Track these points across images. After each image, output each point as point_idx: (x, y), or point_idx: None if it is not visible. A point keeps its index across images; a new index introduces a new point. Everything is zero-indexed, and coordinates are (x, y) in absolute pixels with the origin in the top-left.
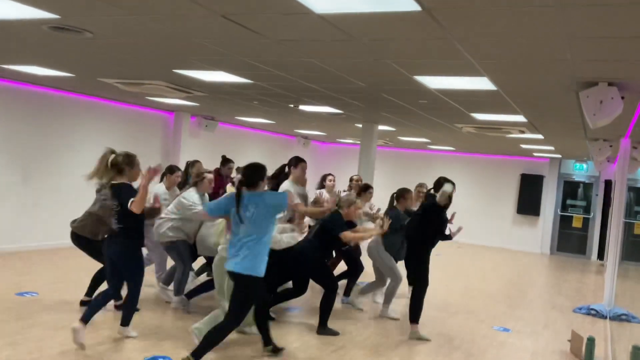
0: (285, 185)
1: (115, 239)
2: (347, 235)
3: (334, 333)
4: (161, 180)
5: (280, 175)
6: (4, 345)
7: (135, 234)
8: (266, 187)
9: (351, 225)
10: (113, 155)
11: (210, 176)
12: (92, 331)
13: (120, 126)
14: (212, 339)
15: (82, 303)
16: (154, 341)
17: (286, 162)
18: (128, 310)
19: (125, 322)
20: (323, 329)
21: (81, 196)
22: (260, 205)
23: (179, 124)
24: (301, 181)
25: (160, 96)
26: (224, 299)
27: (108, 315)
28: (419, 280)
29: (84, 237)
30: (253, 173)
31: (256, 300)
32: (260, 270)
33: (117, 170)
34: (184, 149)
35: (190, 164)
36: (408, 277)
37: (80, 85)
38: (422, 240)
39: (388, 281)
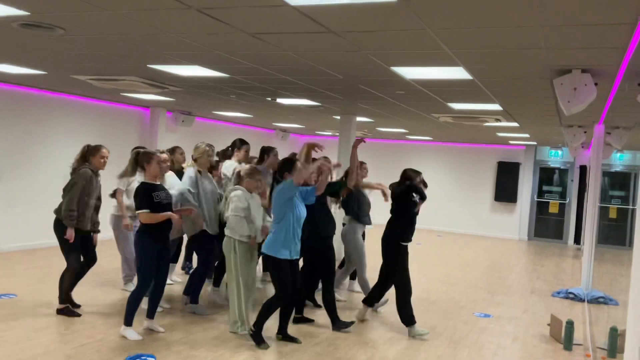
0: (227, 164)
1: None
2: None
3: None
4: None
5: (262, 163)
6: None
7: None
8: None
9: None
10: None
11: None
12: (74, 331)
13: (96, 123)
14: (263, 311)
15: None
16: (137, 340)
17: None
18: (154, 303)
19: (151, 314)
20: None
21: (57, 194)
22: (275, 194)
23: (155, 120)
24: (245, 161)
25: (135, 92)
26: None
27: (90, 314)
28: (394, 283)
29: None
30: (280, 167)
31: (279, 282)
32: (279, 252)
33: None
34: (160, 145)
35: (170, 151)
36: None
37: (53, 82)
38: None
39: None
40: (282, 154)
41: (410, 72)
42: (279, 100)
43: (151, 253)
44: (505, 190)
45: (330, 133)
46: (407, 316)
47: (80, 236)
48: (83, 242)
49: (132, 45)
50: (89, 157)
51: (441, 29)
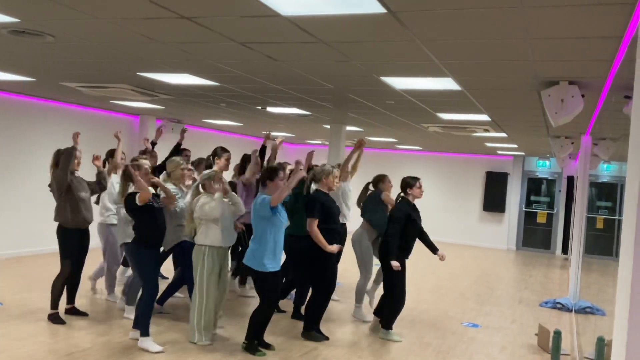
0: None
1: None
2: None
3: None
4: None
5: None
6: None
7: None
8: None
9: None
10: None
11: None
12: (61, 340)
13: (85, 130)
14: (252, 324)
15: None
16: (159, 351)
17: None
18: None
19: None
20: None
21: (45, 202)
22: (252, 209)
23: (145, 128)
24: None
25: (124, 99)
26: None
27: (77, 321)
28: (385, 287)
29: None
30: (262, 175)
31: (263, 293)
32: (261, 266)
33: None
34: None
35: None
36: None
37: (42, 89)
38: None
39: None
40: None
41: (400, 83)
42: (269, 108)
43: (149, 259)
44: (494, 200)
45: (320, 142)
46: (387, 319)
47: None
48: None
49: (122, 53)
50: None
51: (430, 40)
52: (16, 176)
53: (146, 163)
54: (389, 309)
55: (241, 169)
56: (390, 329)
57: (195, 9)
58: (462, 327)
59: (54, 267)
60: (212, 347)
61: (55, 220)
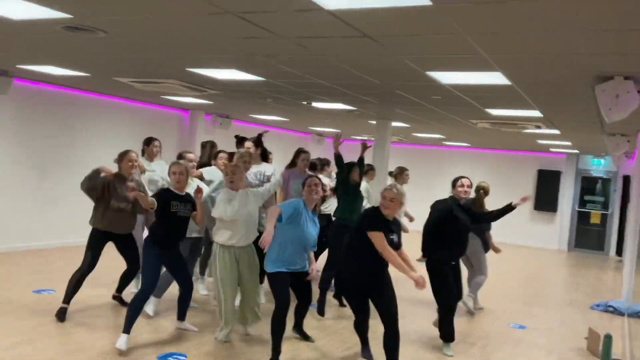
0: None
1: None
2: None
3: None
4: (142, 154)
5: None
6: (21, 343)
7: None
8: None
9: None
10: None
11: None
12: (105, 329)
13: (137, 125)
14: (273, 331)
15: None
16: (169, 339)
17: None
18: (183, 307)
19: (182, 316)
20: None
21: None
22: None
23: (194, 122)
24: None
25: (175, 95)
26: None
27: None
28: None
29: None
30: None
31: (274, 293)
32: (270, 267)
33: None
34: (198, 147)
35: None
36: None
37: (96, 84)
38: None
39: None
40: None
41: (447, 77)
42: (314, 104)
43: (154, 260)
44: (546, 200)
45: (365, 137)
46: (444, 333)
47: (112, 239)
48: (117, 245)
49: (172, 49)
50: (119, 163)
51: (478, 33)
52: (70, 169)
53: (192, 157)
54: (440, 320)
55: (292, 163)
56: (452, 340)
57: (242, 4)
58: (509, 328)
59: (105, 258)
60: (220, 346)
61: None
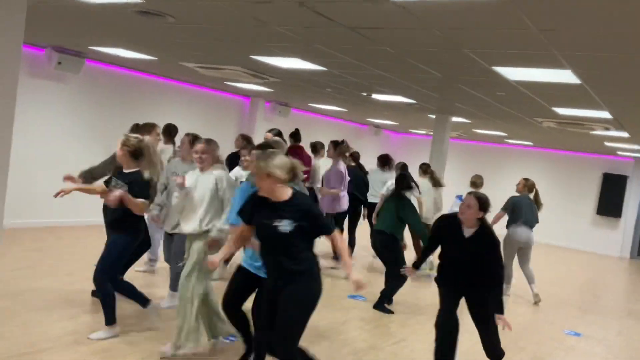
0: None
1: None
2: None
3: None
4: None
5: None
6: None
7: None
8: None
9: None
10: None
11: None
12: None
13: (199, 109)
14: None
15: None
16: None
17: (356, 150)
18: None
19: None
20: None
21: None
22: None
23: (254, 109)
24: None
25: (237, 81)
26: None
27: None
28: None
29: None
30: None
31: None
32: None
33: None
34: (258, 134)
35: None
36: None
37: (163, 68)
38: None
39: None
40: (375, 150)
41: (513, 73)
42: (374, 95)
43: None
44: (610, 204)
45: (423, 132)
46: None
47: None
48: None
49: (237, 36)
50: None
51: (548, 29)
52: None
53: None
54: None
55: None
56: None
57: None
58: (563, 335)
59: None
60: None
61: None
